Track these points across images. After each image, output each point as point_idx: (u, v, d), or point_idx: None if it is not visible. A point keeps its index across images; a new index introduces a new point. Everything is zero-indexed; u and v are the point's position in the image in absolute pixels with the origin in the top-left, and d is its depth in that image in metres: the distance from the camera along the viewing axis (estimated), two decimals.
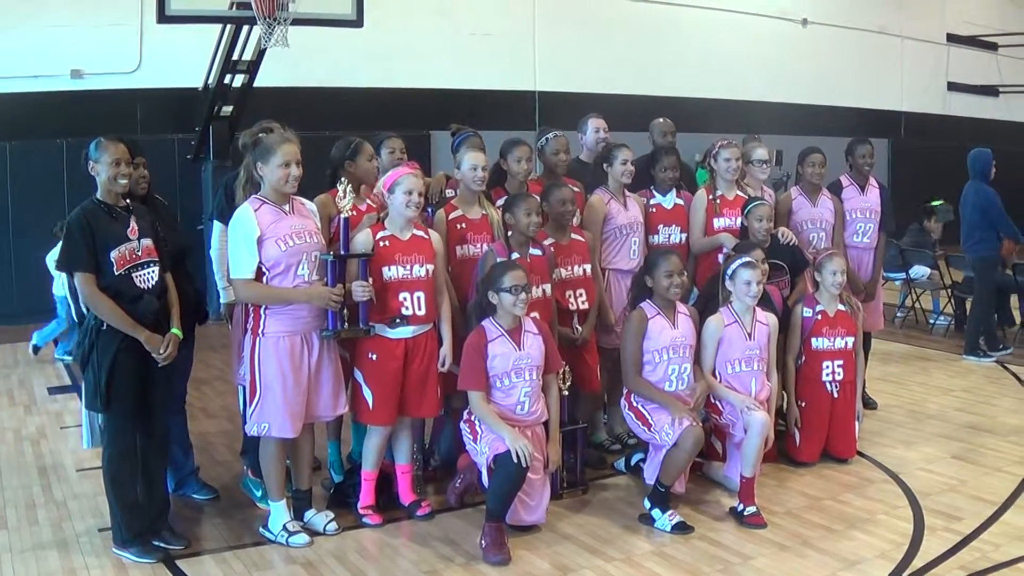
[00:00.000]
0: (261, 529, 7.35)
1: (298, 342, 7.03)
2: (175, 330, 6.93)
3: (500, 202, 8.35)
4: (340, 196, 7.19)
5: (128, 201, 6.89)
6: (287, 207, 7.04)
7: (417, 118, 18.29)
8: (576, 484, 8.25)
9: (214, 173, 15.26)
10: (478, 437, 7.23)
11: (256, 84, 15.29)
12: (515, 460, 6.86)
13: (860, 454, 9.16)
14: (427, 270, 7.43)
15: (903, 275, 15.92)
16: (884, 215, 10.61)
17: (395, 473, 7.84)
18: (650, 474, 7.76)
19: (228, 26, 14.29)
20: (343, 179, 7.43)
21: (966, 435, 9.87)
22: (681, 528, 7.37)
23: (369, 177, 8.09)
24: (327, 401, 7.26)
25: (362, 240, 7.31)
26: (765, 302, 8.55)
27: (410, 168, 7.63)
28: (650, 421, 7.73)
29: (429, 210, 8.23)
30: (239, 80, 15.29)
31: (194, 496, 8.13)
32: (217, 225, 8.14)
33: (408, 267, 7.36)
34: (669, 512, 7.47)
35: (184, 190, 15.69)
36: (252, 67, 14.92)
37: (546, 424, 7.56)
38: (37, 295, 14.03)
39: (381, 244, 7.33)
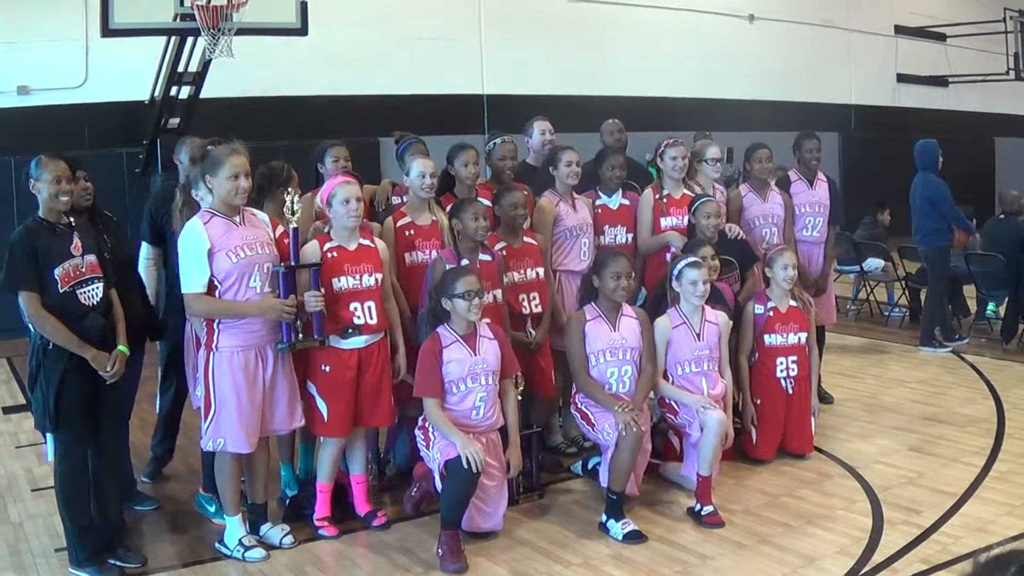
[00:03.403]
0: (217, 544, 7.29)
1: (252, 356, 6.98)
2: (121, 347, 6.88)
3: (450, 207, 8.32)
4: (287, 208, 7.12)
5: (71, 218, 6.84)
6: (237, 218, 7.00)
7: (365, 125, 18.24)
8: (532, 489, 8.23)
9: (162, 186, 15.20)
10: (431, 443, 7.22)
11: (203, 95, 15.21)
12: (466, 466, 6.84)
13: (817, 449, 9.17)
14: (376, 279, 7.41)
15: (857, 268, 16.01)
16: (833, 209, 10.68)
17: (350, 484, 7.80)
18: (604, 476, 7.73)
19: (173, 38, 14.23)
20: (291, 190, 7.38)
21: (923, 427, 9.90)
22: (634, 537, 7.31)
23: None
24: (282, 415, 7.21)
25: (311, 250, 7.29)
26: (716, 299, 8.58)
27: (345, 177, 7.61)
28: (594, 421, 7.79)
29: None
30: (185, 92, 15.22)
31: (136, 508, 8.08)
32: (144, 247, 8.16)
33: (357, 277, 7.35)
34: (622, 521, 7.42)
35: (133, 204, 15.51)
36: (198, 78, 14.85)
37: (502, 430, 7.55)
38: None
39: (329, 255, 7.31)
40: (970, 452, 9.06)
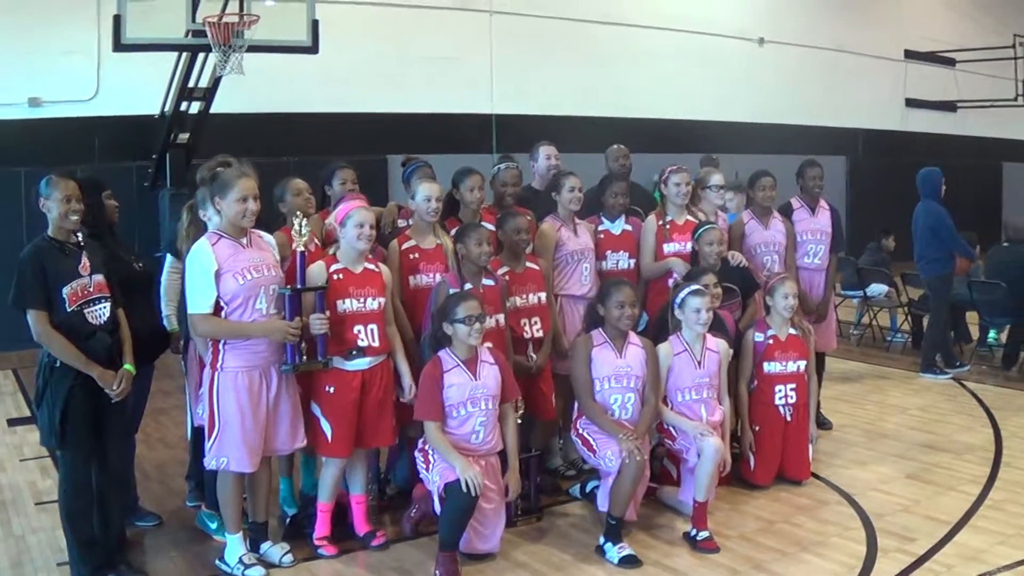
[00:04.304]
0: (217, 562, 7.34)
1: (256, 377, 7.03)
2: (128, 366, 6.95)
3: (454, 231, 8.38)
4: (295, 231, 7.18)
5: (80, 236, 6.91)
6: (245, 240, 7.06)
7: (374, 143, 18.41)
8: (531, 511, 8.28)
9: (171, 201, 15.26)
10: (430, 466, 7.28)
11: (212, 111, 15.30)
12: (465, 490, 6.90)
13: (815, 476, 9.21)
14: (379, 303, 7.49)
15: (860, 293, 16.05)
16: (835, 236, 10.73)
17: (350, 503, 7.85)
18: (602, 500, 7.78)
19: (184, 54, 14.32)
20: (298, 213, 7.43)
21: (921, 454, 9.93)
22: (629, 561, 7.35)
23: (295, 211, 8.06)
24: (285, 434, 7.26)
25: (317, 273, 7.34)
26: (717, 326, 8.63)
27: (360, 201, 7.68)
28: (595, 447, 7.81)
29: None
30: (195, 107, 15.30)
31: (137, 524, 8.13)
32: (168, 258, 8.21)
33: (362, 300, 7.41)
34: (619, 545, 7.46)
35: (142, 218, 15.64)
36: (208, 94, 14.94)
37: (501, 454, 7.61)
38: None
39: (335, 277, 7.37)
40: (966, 480, 9.09)
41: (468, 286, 7.82)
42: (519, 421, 7.86)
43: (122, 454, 7.44)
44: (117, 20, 12.94)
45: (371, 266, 7.60)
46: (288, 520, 8.15)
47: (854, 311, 16.92)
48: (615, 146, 10.76)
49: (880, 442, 10.43)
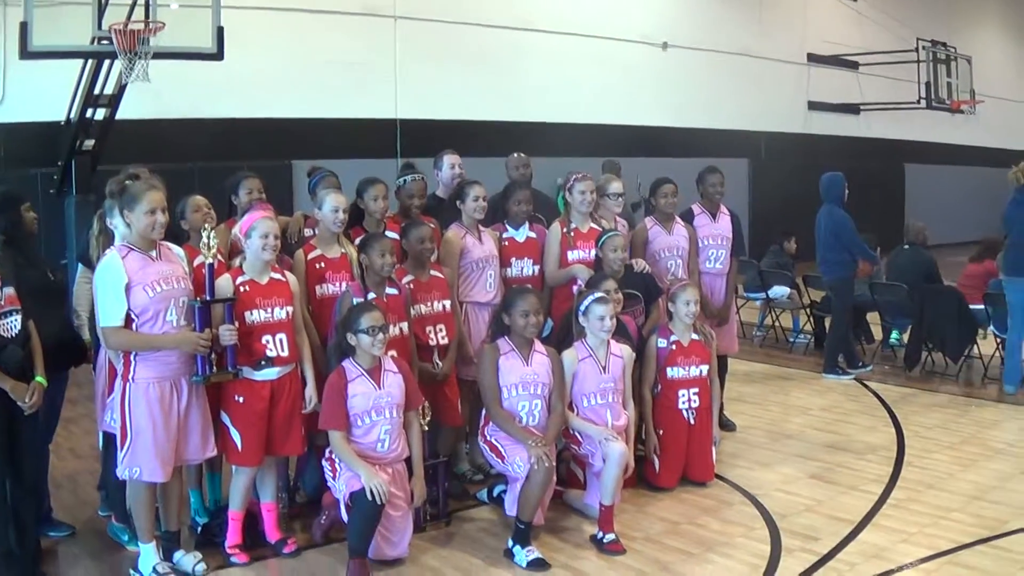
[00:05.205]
0: (131, 571, 7.33)
1: (167, 387, 7.06)
2: (39, 378, 6.96)
3: (358, 240, 8.46)
4: (203, 243, 7.21)
5: None
6: (154, 253, 7.07)
7: (279, 148, 18.37)
8: (439, 517, 8.36)
9: (77, 208, 15.17)
10: (337, 474, 7.34)
11: (118, 116, 15.20)
12: (370, 498, 6.97)
13: (719, 477, 9.34)
14: (287, 312, 7.55)
15: (763, 295, 16.28)
16: (735, 242, 10.88)
17: (261, 511, 7.89)
18: (510, 505, 7.86)
19: (90, 60, 14.23)
20: (205, 226, 7.46)
21: (824, 454, 10.10)
22: (537, 565, 7.44)
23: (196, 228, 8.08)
24: (196, 444, 7.29)
25: (225, 284, 7.38)
26: (620, 332, 8.74)
27: (264, 211, 7.73)
28: (504, 453, 7.89)
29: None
30: (101, 114, 15.18)
31: (51, 535, 8.09)
32: (79, 267, 8.23)
33: (269, 310, 7.47)
34: (527, 548, 7.55)
35: (48, 224, 15.51)
36: (114, 100, 14.82)
37: (408, 461, 7.68)
38: None
39: (242, 289, 7.42)
40: (869, 480, 9.26)
41: (372, 295, 7.90)
42: (426, 428, 7.94)
43: (36, 466, 7.44)
44: (24, 27, 12.78)
45: (277, 276, 7.65)
46: (199, 529, 8.14)
47: (757, 313, 17.11)
48: (515, 155, 10.81)
49: (783, 443, 10.59)
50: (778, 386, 13.40)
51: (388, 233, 8.52)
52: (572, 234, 9.52)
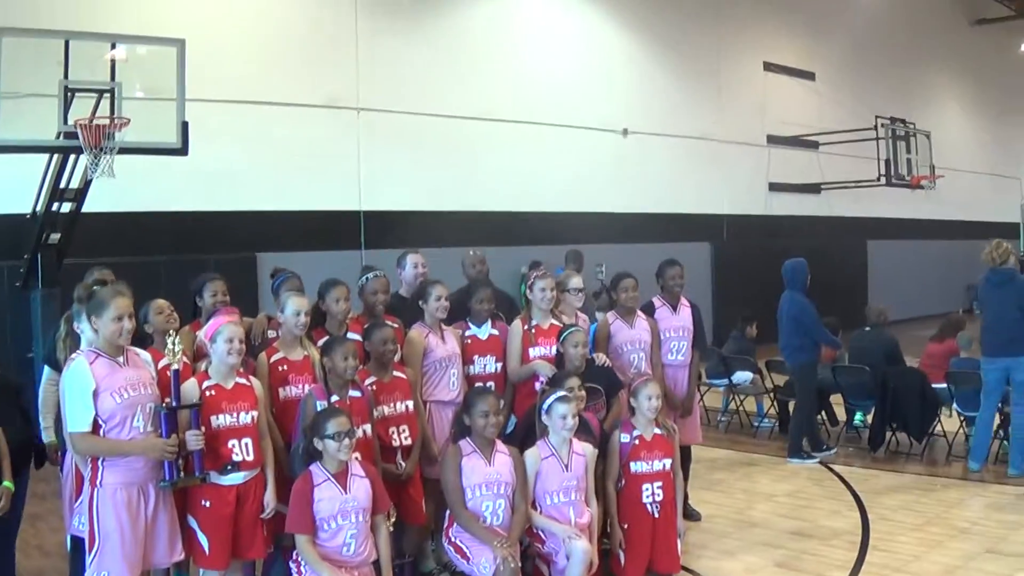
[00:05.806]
0: None
1: (135, 493, 7.07)
2: (7, 483, 7.00)
3: (321, 342, 8.53)
4: (168, 348, 7.26)
5: None
6: (121, 359, 7.11)
7: (244, 241, 18.31)
8: None
9: (43, 301, 15.15)
10: None
11: (84, 210, 15.20)
12: None
13: (685, 568, 9.34)
14: (252, 416, 7.60)
15: (726, 381, 16.37)
16: (696, 333, 10.99)
17: None
18: None
19: (56, 155, 14.27)
20: (170, 332, 7.53)
21: (789, 541, 10.17)
22: None
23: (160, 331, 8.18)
24: (164, 548, 7.29)
25: (191, 389, 7.43)
26: (583, 429, 8.78)
27: (229, 316, 7.80)
28: (469, 555, 7.94)
29: None
30: (67, 207, 15.20)
31: None
32: (46, 370, 8.26)
33: (235, 415, 7.53)
34: None
35: (14, 318, 15.54)
36: (79, 195, 14.83)
37: (376, 564, 7.69)
38: None
39: (207, 394, 7.48)
40: (834, 567, 9.33)
41: (335, 398, 7.97)
42: (391, 528, 7.97)
43: (1, 567, 7.45)
44: None
45: (243, 380, 7.71)
46: None
47: (720, 398, 17.18)
48: (471, 252, 10.94)
49: (749, 531, 10.63)
50: (743, 472, 13.45)
51: (351, 335, 8.63)
52: (533, 331, 9.62)
